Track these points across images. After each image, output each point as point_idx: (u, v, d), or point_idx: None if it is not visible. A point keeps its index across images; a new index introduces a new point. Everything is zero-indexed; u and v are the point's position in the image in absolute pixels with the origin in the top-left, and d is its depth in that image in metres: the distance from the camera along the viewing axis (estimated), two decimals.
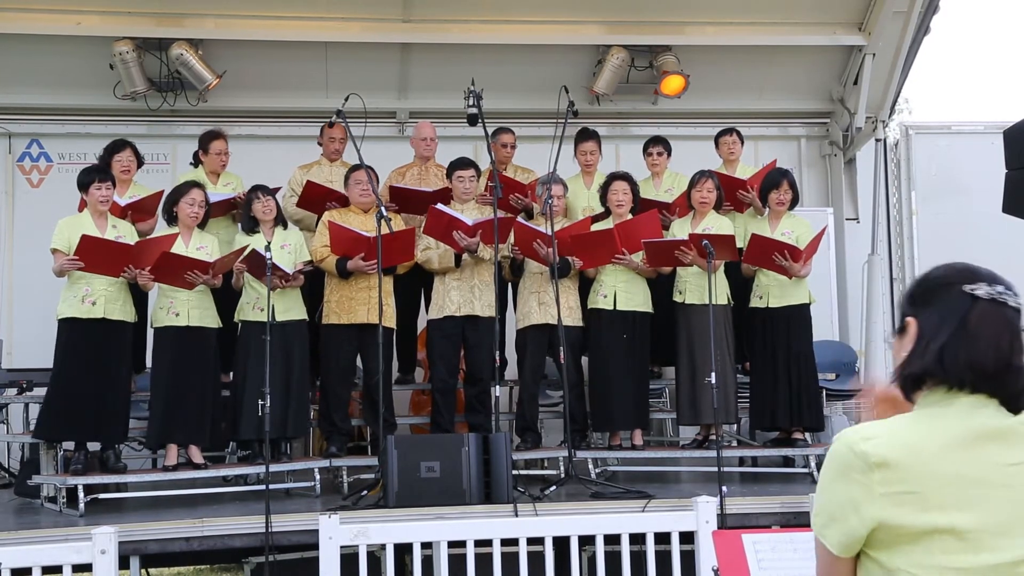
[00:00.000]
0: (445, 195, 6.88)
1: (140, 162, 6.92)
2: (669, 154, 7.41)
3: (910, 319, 1.81)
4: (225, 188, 7.03)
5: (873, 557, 1.71)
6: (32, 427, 6.90)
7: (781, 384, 6.44)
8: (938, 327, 1.75)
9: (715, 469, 5.67)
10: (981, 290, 1.75)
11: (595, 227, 6.70)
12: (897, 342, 1.83)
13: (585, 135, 7.41)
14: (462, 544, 4.34)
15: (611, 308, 6.57)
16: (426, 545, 4.69)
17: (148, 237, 6.35)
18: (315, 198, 6.94)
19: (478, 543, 4.34)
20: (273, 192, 6.67)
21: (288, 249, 6.41)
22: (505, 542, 4.35)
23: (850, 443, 1.72)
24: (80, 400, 5.90)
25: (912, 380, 1.77)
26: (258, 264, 6.03)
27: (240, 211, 6.90)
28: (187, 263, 6.01)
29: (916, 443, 1.70)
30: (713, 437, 6.25)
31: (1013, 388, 1.73)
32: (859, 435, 1.72)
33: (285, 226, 6.61)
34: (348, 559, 4.17)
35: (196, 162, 7.21)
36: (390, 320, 6.54)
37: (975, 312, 1.74)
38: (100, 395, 5.94)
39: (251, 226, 6.46)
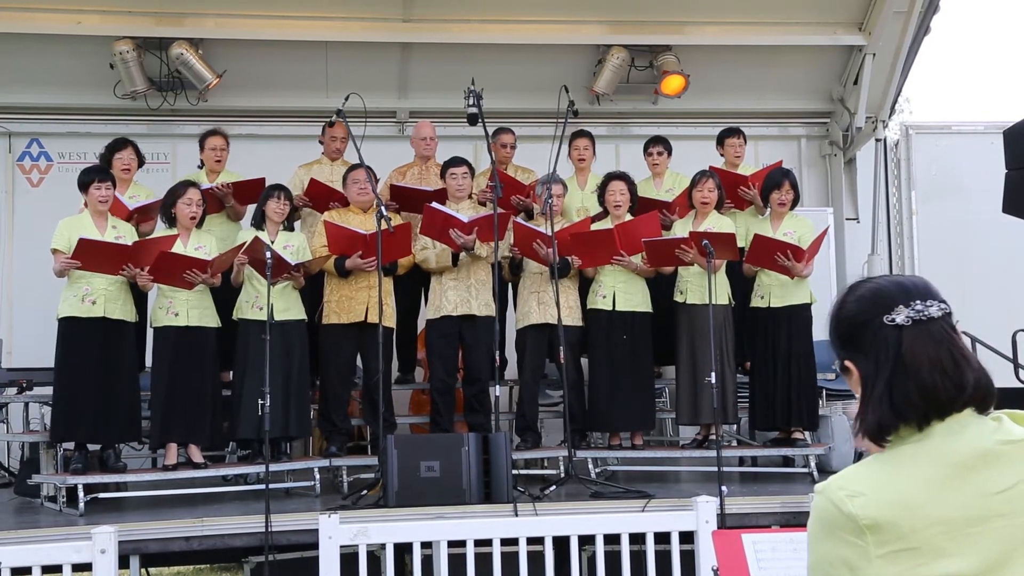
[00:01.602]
0: (446, 194, 6.88)
1: (141, 161, 6.92)
2: (669, 154, 7.42)
3: (849, 364, 1.73)
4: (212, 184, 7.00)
5: None
6: (32, 427, 6.92)
7: (781, 384, 6.44)
8: (876, 372, 1.67)
9: (715, 469, 5.67)
10: (900, 315, 1.66)
11: (594, 227, 6.70)
12: (849, 381, 1.76)
13: (579, 133, 7.44)
14: (462, 544, 4.34)
15: (610, 308, 6.57)
16: (426, 545, 4.69)
17: (147, 238, 6.34)
18: (318, 196, 6.95)
19: (478, 543, 4.34)
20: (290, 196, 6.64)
21: (291, 250, 6.40)
22: (505, 542, 4.35)
23: (836, 501, 1.63)
24: (84, 400, 5.90)
25: (876, 431, 1.67)
26: (261, 255, 6.03)
27: (228, 207, 6.91)
28: (186, 262, 6.01)
29: (903, 496, 1.61)
30: (713, 437, 6.25)
31: (977, 397, 1.65)
32: (844, 491, 1.63)
33: (291, 229, 6.61)
34: (348, 559, 4.17)
35: (201, 164, 7.22)
36: (390, 320, 6.54)
37: (905, 343, 1.65)
38: (103, 394, 5.93)
39: (260, 222, 6.46)
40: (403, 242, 6.45)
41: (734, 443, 7.26)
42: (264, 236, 6.30)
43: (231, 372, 6.48)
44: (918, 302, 1.67)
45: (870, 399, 1.68)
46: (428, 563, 4.82)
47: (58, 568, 3.97)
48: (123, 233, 6.16)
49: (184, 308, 6.12)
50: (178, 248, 6.08)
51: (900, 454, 1.67)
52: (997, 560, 1.60)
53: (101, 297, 5.96)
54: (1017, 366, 7.34)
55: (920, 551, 1.59)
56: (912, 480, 1.63)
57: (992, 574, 1.60)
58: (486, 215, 6.34)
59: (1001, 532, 1.61)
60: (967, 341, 1.73)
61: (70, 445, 6.11)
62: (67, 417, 5.94)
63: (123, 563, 4.84)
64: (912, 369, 1.64)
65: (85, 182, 6.10)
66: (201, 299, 6.17)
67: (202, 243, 6.27)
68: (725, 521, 5.16)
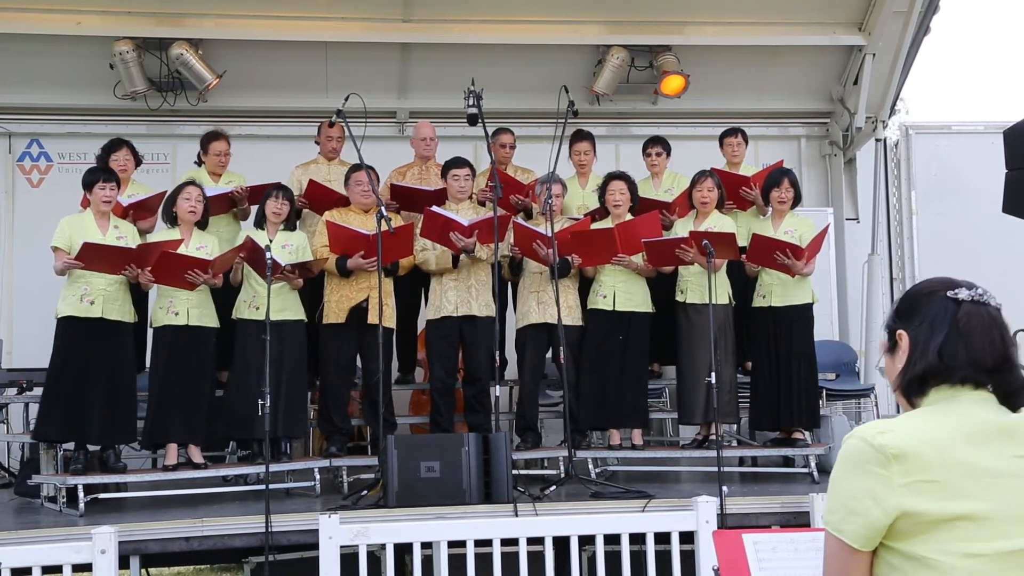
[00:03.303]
0: (446, 194, 6.88)
1: (138, 161, 6.92)
2: (668, 154, 7.42)
3: (901, 332, 1.90)
4: (228, 187, 7.01)
5: (893, 547, 1.76)
6: (32, 427, 6.91)
7: (782, 384, 6.43)
8: (931, 332, 1.85)
9: (715, 469, 5.67)
10: (963, 293, 1.86)
11: (595, 226, 6.69)
12: (889, 361, 1.91)
13: (579, 136, 7.43)
14: (462, 544, 4.34)
15: (610, 308, 6.57)
16: (426, 545, 4.69)
17: (151, 241, 6.33)
18: (317, 198, 6.95)
19: (478, 543, 4.35)
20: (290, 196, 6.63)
21: (289, 249, 6.40)
22: (505, 542, 4.36)
23: (866, 437, 1.78)
24: (79, 400, 5.89)
25: (916, 382, 1.84)
26: (257, 256, 6.03)
27: (239, 208, 6.92)
28: (186, 262, 6.01)
29: (930, 434, 1.77)
30: (713, 437, 6.25)
31: (1009, 384, 1.83)
32: (875, 429, 1.79)
33: (293, 228, 6.60)
34: (348, 559, 4.18)
35: (199, 161, 7.21)
36: (390, 320, 6.54)
37: (962, 313, 1.84)
38: (100, 395, 5.93)
39: (261, 222, 6.46)
40: (404, 242, 6.44)
41: (734, 443, 7.26)
42: (264, 236, 6.30)
43: (227, 372, 6.47)
44: (980, 290, 1.88)
45: (919, 355, 1.84)
46: (428, 563, 4.82)
47: (58, 568, 3.98)
48: (125, 233, 6.16)
49: (184, 308, 6.12)
50: (180, 248, 6.08)
51: (929, 411, 1.83)
52: (1009, 514, 1.73)
53: (100, 297, 5.96)
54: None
55: (942, 485, 1.73)
56: (940, 426, 1.78)
57: (1004, 524, 1.72)
58: (486, 218, 6.34)
59: (1015, 490, 1.75)
60: None
61: (70, 445, 6.10)
62: (53, 417, 5.93)
63: (123, 563, 4.84)
64: (965, 333, 1.82)
65: (90, 182, 6.09)
66: (201, 299, 6.17)
67: (204, 243, 6.26)
68: (725, 521, 5.16)
